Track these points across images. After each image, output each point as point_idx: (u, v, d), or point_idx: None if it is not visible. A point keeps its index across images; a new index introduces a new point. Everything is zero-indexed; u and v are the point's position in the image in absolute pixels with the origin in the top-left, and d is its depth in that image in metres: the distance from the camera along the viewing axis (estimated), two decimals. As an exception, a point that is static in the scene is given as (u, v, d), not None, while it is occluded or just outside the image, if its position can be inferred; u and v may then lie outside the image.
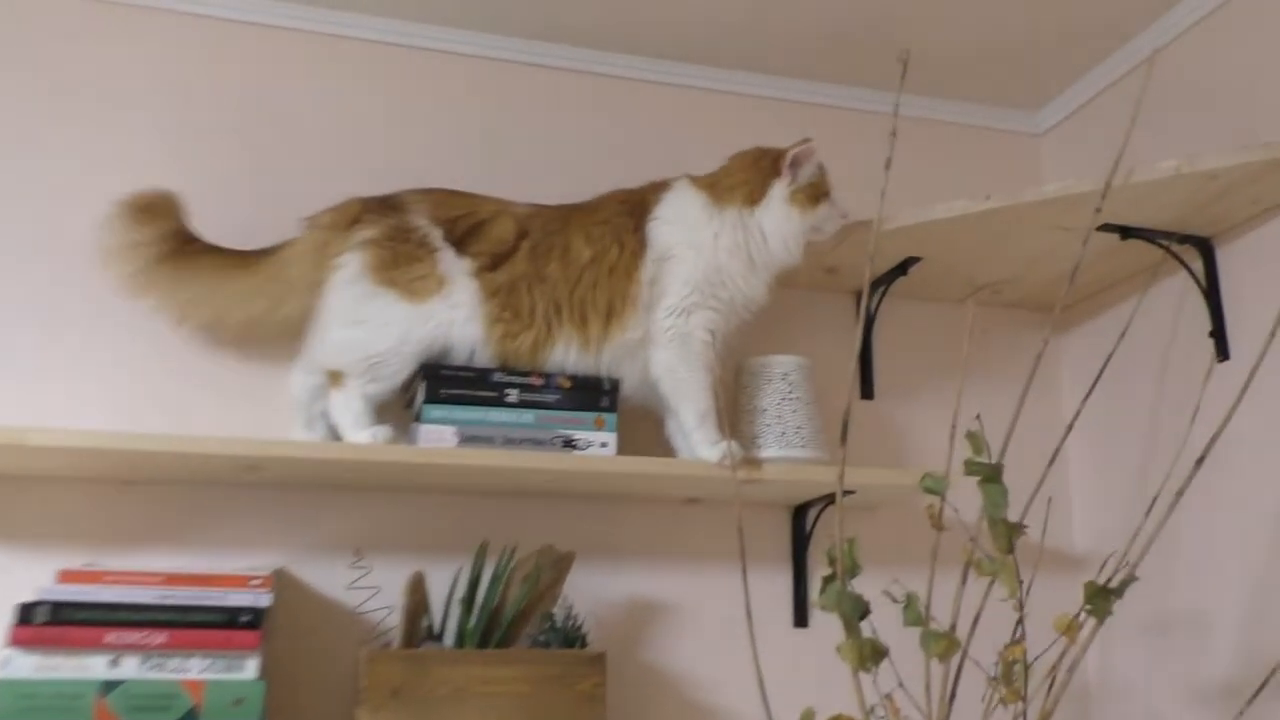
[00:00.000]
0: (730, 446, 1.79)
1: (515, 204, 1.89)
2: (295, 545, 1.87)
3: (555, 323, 1.82)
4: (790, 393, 1.96)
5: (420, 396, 1.79)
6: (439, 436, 1.76)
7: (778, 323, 2.16)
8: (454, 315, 1.79)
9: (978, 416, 1.50)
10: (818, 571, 2.12)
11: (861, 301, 2.29)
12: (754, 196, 1.88)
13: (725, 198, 1.88)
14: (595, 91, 2.27)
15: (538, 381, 1.83)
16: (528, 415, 1.80)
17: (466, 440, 1.77)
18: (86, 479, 1.79)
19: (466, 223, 1.84)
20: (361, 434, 1.73)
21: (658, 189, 1.92)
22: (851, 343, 2.29)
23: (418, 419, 1.78)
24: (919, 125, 2.45)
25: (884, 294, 2.22)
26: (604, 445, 1.82)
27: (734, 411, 2.01)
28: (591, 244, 1.85)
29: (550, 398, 1.83)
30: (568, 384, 1.84)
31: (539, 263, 1.83)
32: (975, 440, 1.40)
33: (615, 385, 1.86)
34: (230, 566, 1.78)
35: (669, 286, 1.84)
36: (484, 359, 1.82)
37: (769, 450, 1.92)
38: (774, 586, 2.10)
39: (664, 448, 1.93)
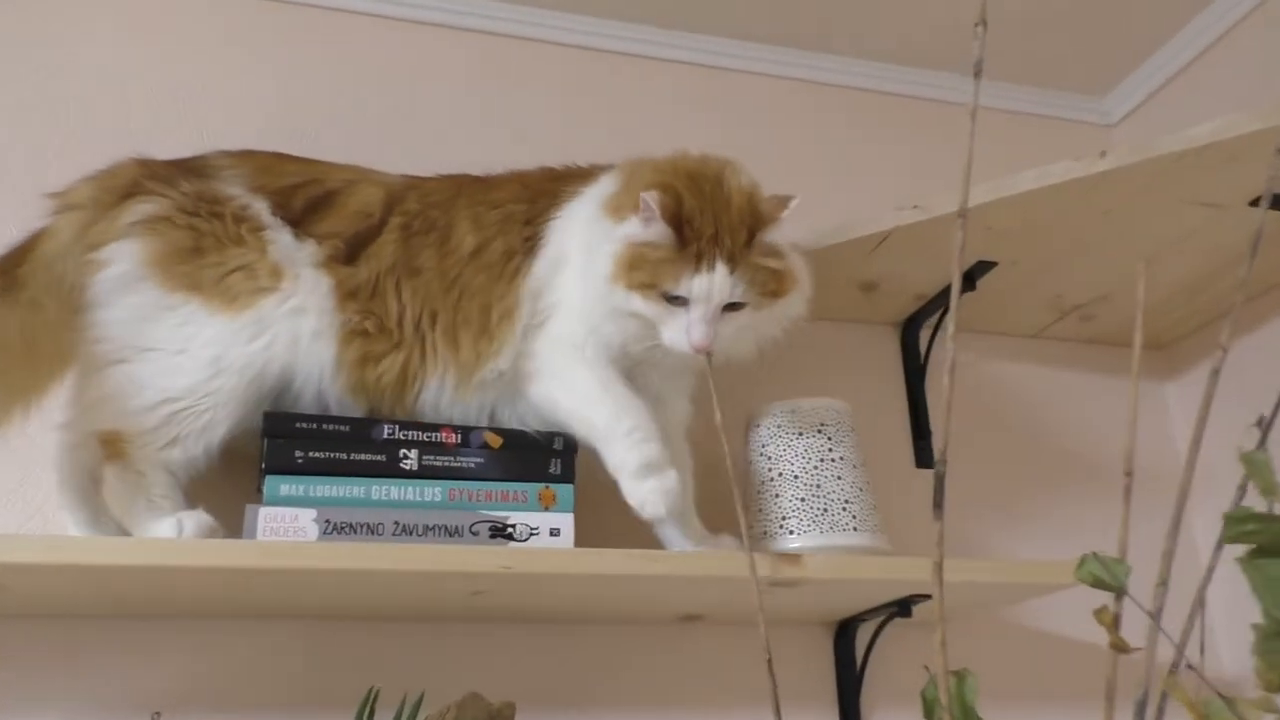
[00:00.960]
0: (666, 480, 1.16)
1: (382, 172, 1.30)
2: (57, 711, 1.19)
3: (429, 339, 1.22)
4: (830, 451, 1.33)
5: (262, 463, 1.14)
6: (290, 525, 1.10)
7: (788, 367, 1.54)
8: (296, 327, 1.17)
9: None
10: (878, 714, 1.46)
11: (921, 332, 1.68)
12: (617, 216, 1.20)
13: (607, 210, 1.23)
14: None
15: (450, 439, 1.19)
16: (435, 489, 1.16)
17: (335, 530, 1.11)
18: None
19: (308, 193, 1.24)
20: (159, 525, 1.08)
21: (585, 176, 1.31)
22: (894, 391, 1.67)
23: (258, 496, 1.13)
24: (964, 113, 1.88)
25: (941, 320, 1.62)
26: (555, 533, 1.17)
27: (743, 482, 1.37)
28: (479, 230, 1.26)
29: (470, 462, 1.18)
30: (497, 442, 1.20)
31: (412, 248, 1.24)
32: (1259, 467, 0.75)
33: (570, 444, 1.22)
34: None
35: (556, 311, 1.24)
36: (333, 396, 1.19)
37: (805, 537, 1.28)
38: (812, 743, 1.43)
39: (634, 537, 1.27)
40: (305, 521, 1.10)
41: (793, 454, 1.32)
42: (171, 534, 1.06)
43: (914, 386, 1.67)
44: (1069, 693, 1.54)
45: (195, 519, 1.08)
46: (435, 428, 1.18)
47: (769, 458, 1.33)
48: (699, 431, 1.51)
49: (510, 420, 1.24)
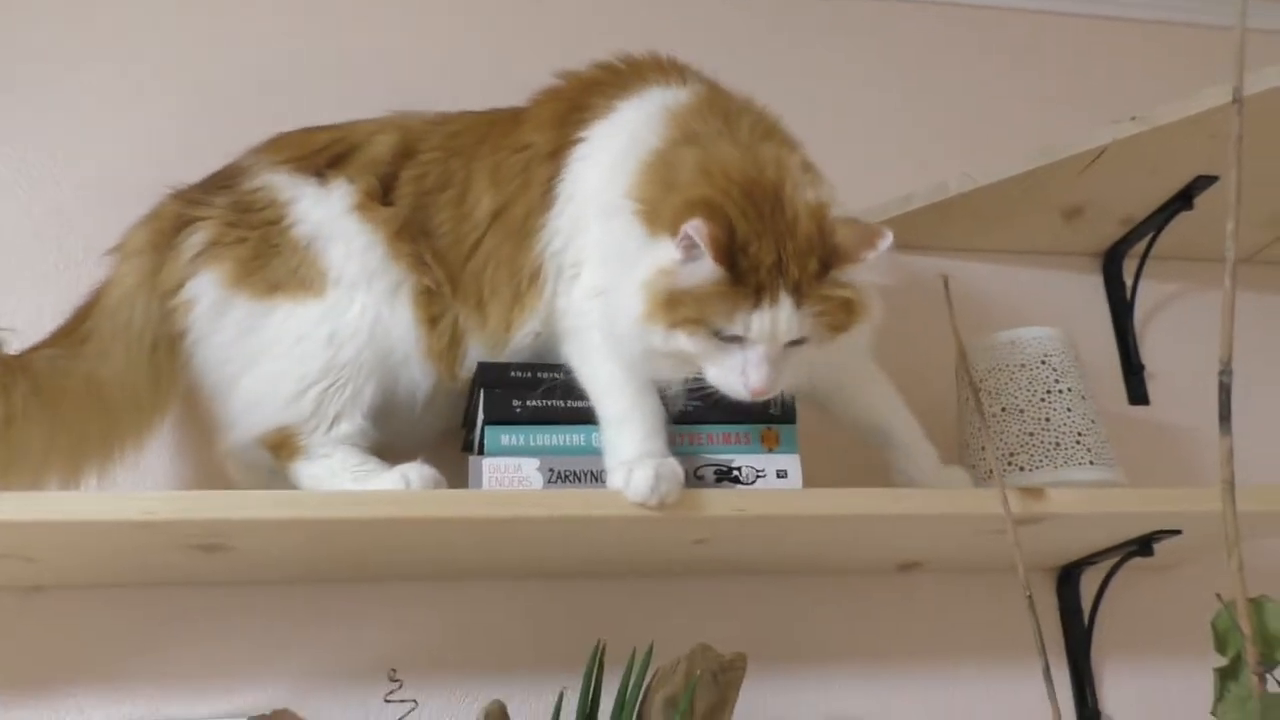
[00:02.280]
0: (662, 467, 1.00)
1: (413, 114, 1.22)
2: (296, 670, 1.18)
3: (453, 306, 1.14)
4: (1057, 383, 1.24)
5: (480, 417, 1.11)
6: (514, 475, 1.07)
7: (980, 307, 1.47)
8: (373, 290, 1.12)
9: None
10: (1109, 667, 1.37)
11: (1125, 262, 1.57)
12: (652, 227, 1.00)
13: (640, 208, 1.02)
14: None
15: (665, 382, 1.13)
16: (654, 434, 1.11)
17: (559, 478, 1.07)
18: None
19: (331, 151, 1.18)
20: (383, 479, 1.06)
21: (624, 84, 1.14)
22: (1099, 326, 1.56)
23: (477, 449, 1.10)
24: (1138, 29, 1.77)
25: (1151, 245, 1.51)
26: (782, 475, 1.11)
27: (959, 419, 1.30)
28: (498, 185, 1.14)
29: (688, 405, 1.13)
30: (712, 384, 1.14)
31: (425, 205, 1.15)
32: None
33: (787, 382, 1.16)
34: (196, 716, 1.09)
35: (587, 260, 1.10)
36: (421, 368, 1.14)
37: (1038, 473, 1.19)
38: (1042, 693, 1.34)
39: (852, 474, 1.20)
40: (529, 470, 1.07)
41: (1016, 387, 1.24)
42: (399, 486, 1.04)
43: (1121, 320, 1.56)
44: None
45: (419, 470, 1.05)
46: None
47: (989, 392, 1.25)
48: (901, 374, 1.45)
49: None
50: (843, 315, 0.99)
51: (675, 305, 0.96)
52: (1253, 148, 1.33)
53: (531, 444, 1.08)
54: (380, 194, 1.15)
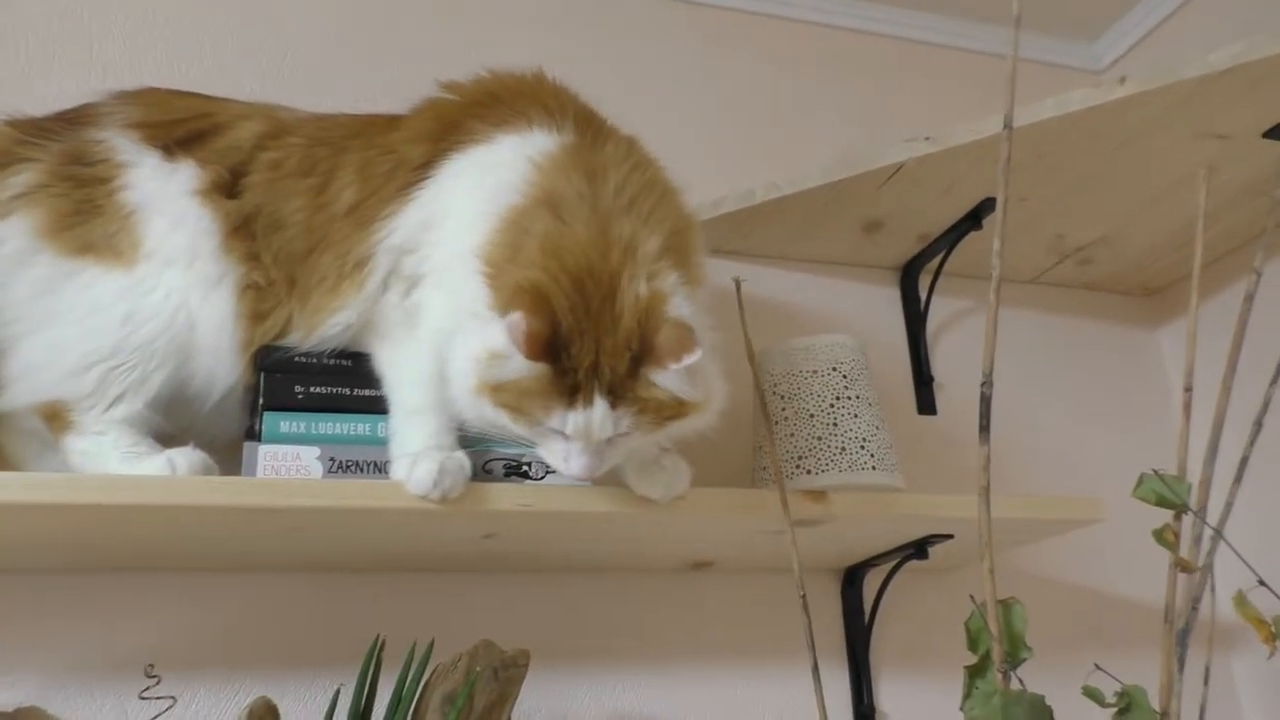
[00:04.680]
0: (448, 461, 1.00)
1: (290, 109, 1.16)
2: (46, 665, 1.11)
3: (287, 303, 1.09)
4: (847, 389, 1.28)
5: (260, 400, 1.06)
6: (293, 464, 1.03)
7: (782, 314, 1.51)
8: (191, 273, 1.05)
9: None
10: (886, 666, 1.42)
11: (921, 277, 1.65)
12: (494, 298, 0.98)
13: (488, 272, 1.01)
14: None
15: (458, 373, 1.11)
16: (442, 426, 1.09)
17: (340, 468, 1.04)
18: None
19: (190, 127, 1.11)
20: (148, 463, 1.00)
21: (501, 118, 1.10)
22: (893, 337, 1.63)
23: (254, 436, 1.05)
24: (949, 55, 1.85)
25: (943, 263, 1.58)
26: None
27: (753, 423, 1.33)
28: (363, 181, 1.09)
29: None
30: (508, 377, 1.13)
31: (279, 191, 1.09)
32: None
33: (584, 378, 1.16)
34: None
35: (425, 274, 1.07)
36: (229, 362, 1.07)
37: (823, 476, 1.23)
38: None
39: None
40: (309, 459, 1.03)
41: (807, 392, 1.28)
42: (164, 472, 0.98)
43: (915, 332, 1.63)
44: (1085, 637, 1.52)
45: (188, 455, 1.00)
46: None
47: (783, 396, 1.29)
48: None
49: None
50: (671, 408, 0.97)
51: (500, 390, 0.95)
52: (1039, 174, 1.43)
53: (313, 432, 1.05)
54: (228, 186, 1.09)
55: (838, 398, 1.27)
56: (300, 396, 1.05)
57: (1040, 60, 1.89)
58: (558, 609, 1.31)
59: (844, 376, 1.29)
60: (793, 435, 1.26)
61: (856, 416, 1.27)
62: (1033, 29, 1.88)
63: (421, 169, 1.09)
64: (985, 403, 0.99)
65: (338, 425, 1.05)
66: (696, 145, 1.60)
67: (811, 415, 1.26)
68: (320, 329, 1.07)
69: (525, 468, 1.10)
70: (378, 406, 1.07)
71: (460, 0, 1.59)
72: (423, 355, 1.05)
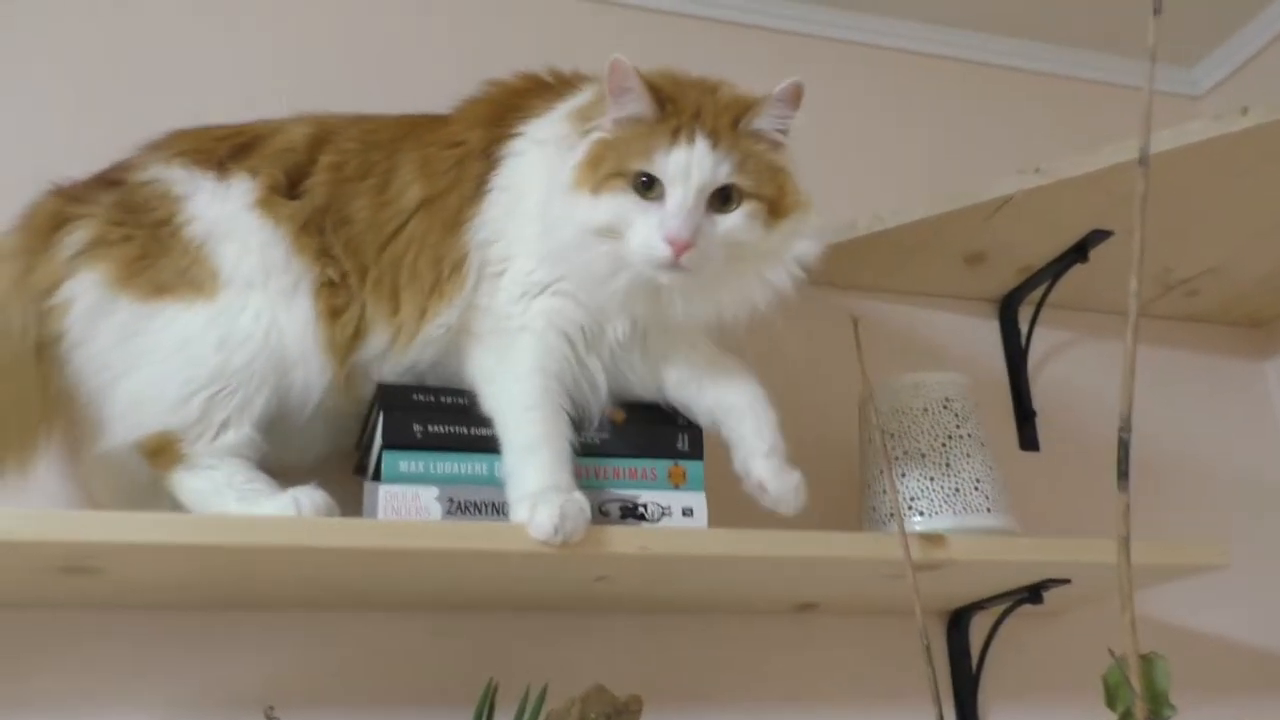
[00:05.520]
0: (568, 504, 0.97)
1: (323, 114, 1.15)
2: (165, 701, 1.11)
3: (360, 297, 1.08)
4: (959, 428, 1.25)
5: (377, 440, 1.05)
6: (412, 504, 1.02)
7: (876, 347, 1.47)
8: (269, 291, 1.05)
9: None
10: (995, 713, 1.38)
11: (1021, 309, 1.61)
12: (580, 130, 1.05)
13: (580, 115, 1.07)
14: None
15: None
16: (560, 467, 1.07)
17: (459, 509, 1.03)
18: None
19: (231, 143, 1.11)
20: (271, 502, 0.99)
21: (564, 88, 1.13)
22: (993, 371, 1.59)
23: (373, 475, 1.05)
24: (1045, 82, 1.82)
25: (1047, 294, 1.55)
26: (688, 513, 1.10)
27: (862, 459, 1.30)
28: (428, 177, 1.09)
29: (595, 437, 1.10)
30: (621, 417, 1.12)
31: (344, 194, 1.09)
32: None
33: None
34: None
35: (513, 255, 1.08)
36: (318, 366, 1.06)
37: (937, 519, 1.20)
38: (931, 737, 1.35)
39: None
40: (428, 500, 1.02)
41: (918, 431, 1.25)
42: (289, 512, 0.98)
43: (1015, 365, 1.59)
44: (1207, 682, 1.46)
45: (311, 495, 0.99)
46: (572, 418, 1.09)
47: (891, 435, 1.26)
48: (802, 410, 1.45)
49: (432, 376, 1.09)
50: (773, 186, 1.01)
51: (599, 163, 0.98)
52: (1151, 205, 1.39)
53: (431, 472, 1.04)
54: (286, 187, 1.08)
55: (950, 437, 1.24)
56: (419, 435, 1.04)
57: (1135, 86, 1.85)
58: (664, 651, 1.29)
59: (955, 415, 1.26)
60: (904, 476, 1.23)
61: (969, 457, 1.24)
62: (1128, 54, 1.84)
63: (485, 154, 1.09)
64: (1124, 448, 0.94)
65: (456, 465, 1.05)
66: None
67: (923, 455, 1.24)
68: (419, 333, 1.07)
69: (641, 509, 1.08)
70: (495, 445, 1.05)
71: (545, 31, 1.58)
72: (528, 369, 1.04)
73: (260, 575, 1.04)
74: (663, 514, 1.08)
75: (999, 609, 1.33)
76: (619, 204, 0.98)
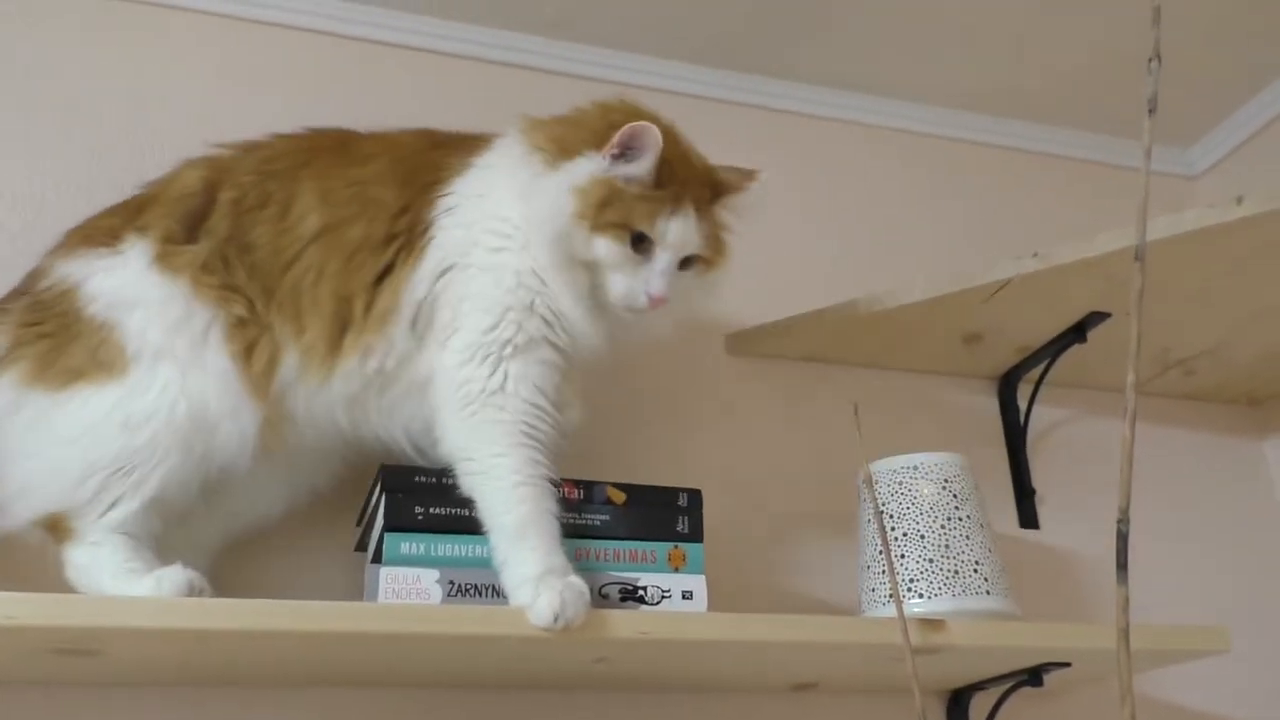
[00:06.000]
0: (567, 590, 0.97)
1: (213, 152, 1.16)
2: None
3: (266, 320, 1.08)
4: (958, 509, 1.26)
5: (379, 521, 1.06)
6: (412, 586, 1.02)
7: (878, 423, 1.47)
8: (177, 353, 1.04)
9: None
10: (999, 798, 1.37)
11: (1020, 387, 1.62)
12: (563, 153, 1.09)
13: (542, 146, 1.10)
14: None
15: (572, 494, 1.11)
16: (560, 549, 1.08)
17: (459, 592, 1.03)
18: None
19: (124, 211, 1.12)
20: (140, 583, 0.97)
21: (474, 145, 1.16)
22: (991, 448, 1.60)
23: (374, 557, 1.05)
24: (1041, 162, 1.85)
25: (1046, 373, 1.56)
26: (688, 596, 1.10)
27: (861, 539, 1.30)
28: (327, 208, 1.10)
29: (595, 520, 1.11)
30: (621, 498, 1.13)
31: (244, 224, 1.09)
32: None
33: (696, 500, 1.15)
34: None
35: (464, 313, 1.08)
36: (248, 412, 1.05)
37: (936, 601, 1.20)
38: (930, 822, 1.34)
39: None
40: (428, 583, 1.03)
41: (917, 512, 1.25)
42: (151, 592, 0.96)
43: (1014, 443, 1.60)
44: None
45: (173, 575, 0.97)
46: (556, 483, 1.11)
47: (890, 515, 1.26)
48: (805, 486, 1.46)
49: (376, 422, 1.10)
50: (715, 248, 1.14)
51: (605, 207, 1.05)
52: (1147, 290, 1.40)
53: (432, 554, 1.04)
54: (183, 235, 1.08)
55: (949, 518, 1.25)
56: (420, 517, 1.05)
57: (1131, 167, 1.88)
58: (661, 730, 1.28)
59: (954, 495, 1.26)
60: (903, 557, 1.24)
61: (968, 538, 1.24)
62: (1124, 135, 1.87)
63: (409, 212, 1.10)
64: (1122, 540, 0.94)
65: (456, 547, 1.05)
66: (797, 254, 1.61)
67: (922, 536, 1.24)
68: (335, 367, 1.07)
69: (641, 592, 1.08)
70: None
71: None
72: (508, 444, 1.04)
73: (258, 656, 1.04)
74: (663, 597, 1.09)
75: (999, 690, 1.33)
76: (613, 252, 1.07)
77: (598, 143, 1.07)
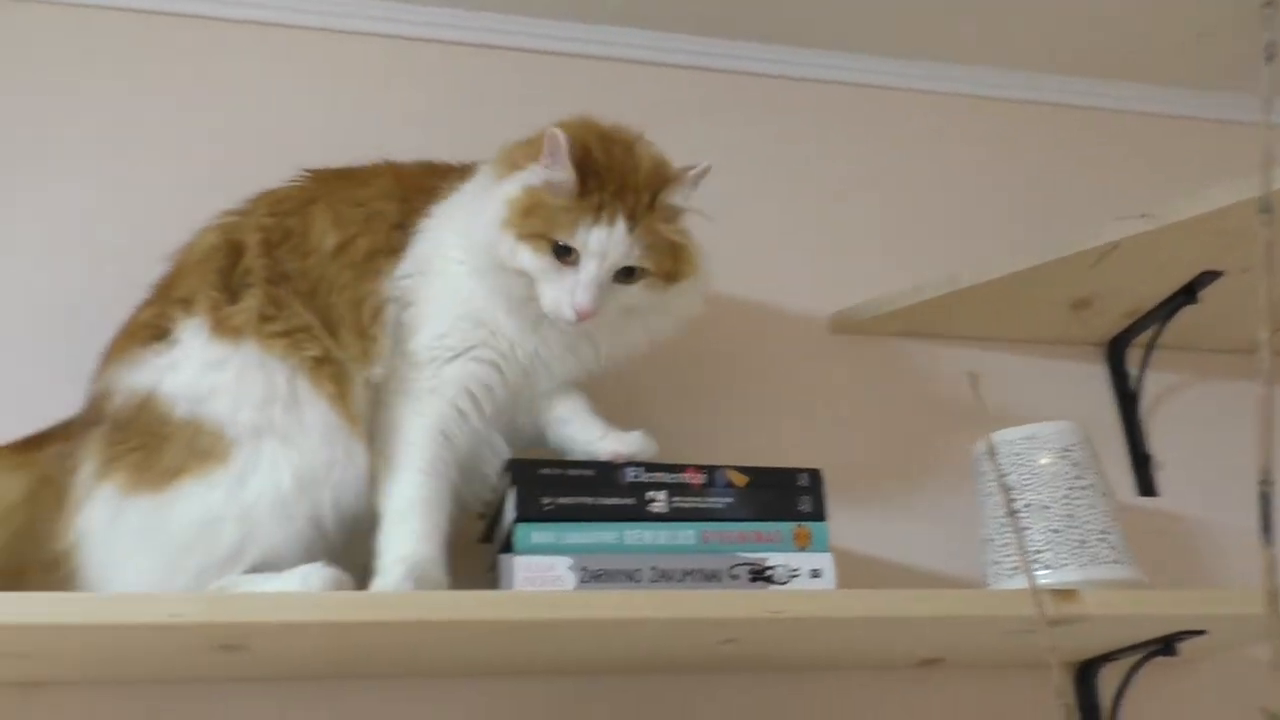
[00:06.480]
0: (421, 560, 1.02)
1: (234, 210, 1.16)
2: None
3: (331, 345, 1.09)
4: (1079, 478, 1.24)
5: (509, 512, 1.08)
6: (547, 574, 1.04)
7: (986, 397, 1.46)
8: (274, 424, 1.03)
9: None
10: (1132, 770, 1.35)
11: (1129, 351, 1.59)
12: (511, 168, 1.10)
13: (498, 165, 1.13)
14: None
15: (696, 478, 1.12)
16: (688, 532, 1.10)
17: (592, 578, 1.05)
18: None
19: (157, 306, 1.11)
20: (280, 579, 1.00)
21: (465, 173, 1.19)
22: (1103, 415, 1.57)
23: (505, 547, 1.07)
24: (1138, 121, 1.81)
25: (1157, 337, 1.53)
26: (816, 574, 1.10)
27: (981, 514, 1.29)
28: (340, 228, 1.13)
29: (719, 502, 1.12)
30: (742, 480, 1.14)
31: (276, 259, 1.11)
32: None
33: (817, 479, 1.16)
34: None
35: (422, 315, 1.12)
36: (358, 454, 1.06)
37: (1063, 571, 1.19)
38: (1064, 794, 1.32)
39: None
40: (561, 570, 1.04)
41: (1039, 483, 1.24)
42: (296, 587, 0.99)
43: (1127, 410, 1.57)
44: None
45: (318, 571, 0.99)
46: (680, 468, 1.12)
47: (1010, 488, 1.25)
48: (913, 466, 1.45)
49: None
50: (671, 261, 1.09)
51: (528, 215, 1.05)
52: (1252, 244, 1.37)
53: (563, 542, 1.06)
54: (226, 295, 1.07)
55: (1071, 488, 1.23)
56: (548, 507, 1.07)
57: (1225, 120, 1.82)
58: (786, 709, 1.28)
59: (1074, 464, 1.25)
60: (1027, 529, 1.23)
61: (1093, 507, 1.23)
62: (1207, 88, 1.82)
63: (402, 227, 1.14)
64: (1265, 501, 0.93)
65: (585, 534, 1.07)
66: (895, 231, 1.61)
67: (1046, 507, 1.22)
68: (367, 371, 1.10)
69: (769, 572, 1.09)
70: (621, 514, 1.08)
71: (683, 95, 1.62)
72: (426, 428, 1.09)
73: (401, 647, 1.07)
74: (791, 576, 1.09)
75: (1130, 660, 1.31)
76: (537, 262, 1.05)
77: (539, 155, 1.07)
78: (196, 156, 1.39)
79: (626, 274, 1.07)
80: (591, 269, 1.05)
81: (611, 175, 1.07)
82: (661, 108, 1.55)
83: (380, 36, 1.53)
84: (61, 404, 1.11)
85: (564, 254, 1.05)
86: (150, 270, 1.14)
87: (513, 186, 1.07)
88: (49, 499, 1.05)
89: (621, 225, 1.05)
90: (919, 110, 1.72)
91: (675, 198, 1.10)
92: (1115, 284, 1.45)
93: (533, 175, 1.06)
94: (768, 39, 1.67)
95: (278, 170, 1.19)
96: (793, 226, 1.57)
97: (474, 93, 1.53)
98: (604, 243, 1.05)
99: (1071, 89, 1.78)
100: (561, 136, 1.04)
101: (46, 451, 1.07)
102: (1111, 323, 1.56)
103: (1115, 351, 1.60)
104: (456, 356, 1.11)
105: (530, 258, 1.05)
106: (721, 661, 1.22)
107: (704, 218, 1.14)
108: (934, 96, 1.73)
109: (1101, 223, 1.37)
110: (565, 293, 1.04)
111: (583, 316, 1.04)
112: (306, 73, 1.49)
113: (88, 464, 1.03)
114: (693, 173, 1.10)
